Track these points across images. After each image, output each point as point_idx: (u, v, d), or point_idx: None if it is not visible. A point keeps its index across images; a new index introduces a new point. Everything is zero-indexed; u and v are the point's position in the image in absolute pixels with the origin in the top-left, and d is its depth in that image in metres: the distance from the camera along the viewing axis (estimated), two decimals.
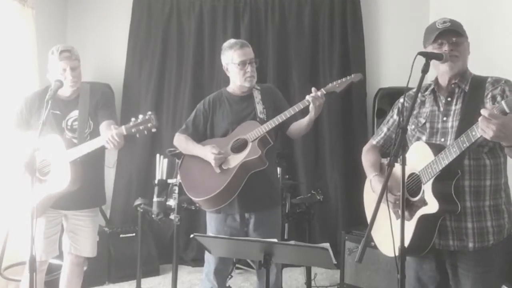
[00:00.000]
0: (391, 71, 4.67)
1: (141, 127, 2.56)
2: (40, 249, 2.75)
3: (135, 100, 4.72)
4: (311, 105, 2.61)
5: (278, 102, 2.92)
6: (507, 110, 1.66)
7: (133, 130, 2.56)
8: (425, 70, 1.87)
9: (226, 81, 4.47)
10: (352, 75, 2.72)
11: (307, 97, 2.62)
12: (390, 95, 4.33)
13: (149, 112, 2.60)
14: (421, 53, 1.89)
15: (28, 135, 2.77)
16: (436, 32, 1.99)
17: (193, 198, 2.86)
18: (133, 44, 4.73)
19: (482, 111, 1.67)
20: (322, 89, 2.64)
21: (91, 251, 2.96)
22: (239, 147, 2.78)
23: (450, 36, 1.98)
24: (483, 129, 1.69)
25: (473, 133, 1.76)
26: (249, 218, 2.83)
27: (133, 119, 2.60)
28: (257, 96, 2.88)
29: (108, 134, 2.56)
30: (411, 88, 2.04)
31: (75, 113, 2.83)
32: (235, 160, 2.73)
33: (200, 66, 4.70)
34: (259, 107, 2.84)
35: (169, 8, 4.72)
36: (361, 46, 4.67)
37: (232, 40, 2.94)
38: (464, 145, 1.80)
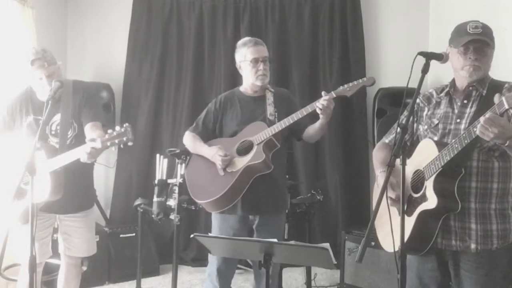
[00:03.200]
0: (391, 71, 4.66)
1: (116, 141, 2.41)
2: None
3: (135, 100, 4.72)
4: (320, 112, 2.54)
5: (293, 108, 2.80)
6: (507, 106, 1.66)
7: (108, 144, 2.41)
8: (425, 70, 1.87)
9: (227, 80, 4.53)
10: (365, 78, 2.60)
11: (317, 103, 2.54)
12: (390, 95, 4.33)
13: (126, 124, 2.44)
14: (421, 53, 1.89)
15: (10, 137, 2.72)
16: (467, 39, 1.95)
17: (196, 200, 2.85)
18: (133, 44, 4.72)
19: (486, 114, 1.68)
20: (332, 92, 2.55)
21: (88, 250, 2.92)
22: (244, 149, 2.75)
23: (478, 45, 1.95)
24: (482, 132, 1.69)
25: (474, 130, 1.77)
26: (254, 220, 2.81)
27: (109, 131, 2.45)
28: (269, 98, 2.82)
29: (87, 149, 2.44)
30: (411, 88, 2.04)
31: (58, 117, 2.72)
32: (239, 164, 2.70)
33: (200, 66, 4.70)
34: (270, 109, 2.78)
35: (169, 8, 4.72)
36: (361, 46, 4.66)
37: (246, 38, 2.89)
38: (466, 141, 1.80)
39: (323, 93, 2.56)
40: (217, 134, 2.91)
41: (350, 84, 2.59)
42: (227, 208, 2.74)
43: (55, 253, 2.99)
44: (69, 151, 2.57)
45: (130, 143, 2.42)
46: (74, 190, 2.71)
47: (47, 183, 2.56)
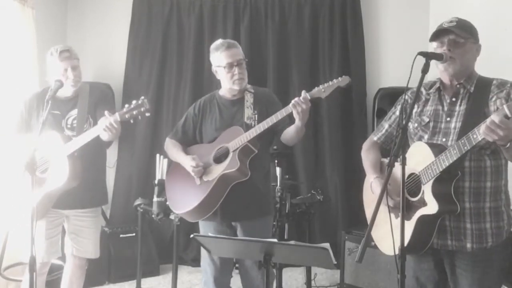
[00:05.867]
0: (391, 71, 4.67)
1: (134, 112, 2.55)
2: (41, 251, 2.75)
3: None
4: (294, 112, 2.42)
5: (272, 108, 2.65)
6: (509, 115, 1.66)
7: (127, 116, 2.55)
8: (425, 70, 1.87)
9: None
10: (340, 78, 2.48)
11: (292, 101, 2.43)
12: (390, 95, 4.33)
13: (142, 97, 2.58)
14: (421, 53, 1.89)
15: (29, 137, 2.77)
16: (437, 31, 1.98)
17: (174, 211, 2.81)
18: (133, 44, 4.73)
19: (492, 117, 1.67)
20: (306, 94, 2.42)
21: (94, 252, 2.95)
22: (220, 156, 2.67)
23: (450, 36, 1.96)
24: (487, 133, 1.68)
25: (474, 136, 1.76)
26: (236, 226, 2.73)
27: (126, 105, 2.58)
28: (248, 99, 2.72)
29: (106, 122, 2.54)
30: (411, 89, 2.04)
31: (74, 112, 2.82)
32: (215, 172, 2.62)
33: (200, 66, 4.70)
34: (248, 112, 2.68)
35: (169, 8, 4.72)
36: (361, 46, 4.67)
37: (218, 41, 2.80)
38: (465, 147, 1.79)
39: (302, 92, 2.45)
40: (198, 139, 2.83)
41: (325, 84, 2.48)
42: (207, 217, 2.68)
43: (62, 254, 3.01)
44: (87, 131, 2.67)
45: (147, 114, 2.56)
46: (88, 183, 2.76)
47: (65, 168, 2.62)
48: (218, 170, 2.63)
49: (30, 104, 2.86)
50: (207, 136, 2.78)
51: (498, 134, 1.66)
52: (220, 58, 2.71)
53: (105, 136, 2.63)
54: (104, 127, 2.55)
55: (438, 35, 1.98)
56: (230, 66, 2.68)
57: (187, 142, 2.84)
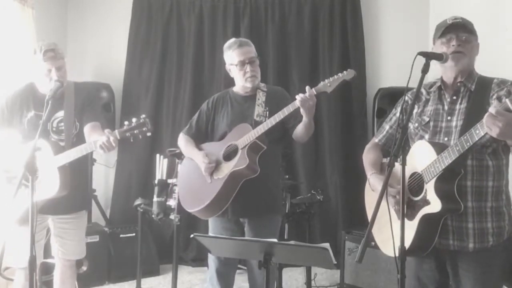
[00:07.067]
0: (391, 71, 4.67)
1: (135, 131, 2.45)
2: (27, 256, 2.69)
3: (135, 100, 4.73)
4: (301, 108, 2.45)
5: (283, 107, 2.60)
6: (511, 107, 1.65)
7: (127, 135, 2.44)
8: (425, 70, 1.86)
9: (227, 81, 4.51)
10: (345, 72, 2.48)
11: (297, 97, 2.46)
12: (390, 95, 4.33)
13: (143, 116, 2.48)
14: (421, 53, 1.88)
15: (8, 132, 2.69)
16: (445, 26, 1.98)
17: (186, 209, 2.82)
18: (133, 44, 4.73)
19: (490, 109, 1.66)
20: (312, 89, 2.45)
21: (80, 252, 2.89)
22: (230, 154, 2.69)
23: (459, 32, 1.97)
24: (488, 127, 1.67)
25: (477, 132, 1.74)
26: (244, 223, 2.75)
27: (126, 122, 2.48)
28: (260, 97, 2.75)
29: (103, 139, 2.43)
30: (411, 88, 2.04)
31: (60, 114, 2.70)
32: (225, 169, 2.64)
33: (200, 66, 4.71)
34: (259, 109, 2.71)
35: (169, 8, 4.73)
36: (361, 46, 4.67)
37: (231, 40, 2.83)
38: (468, 143, 1.78)
39: (307, 88, 2.47)
40: (209, 135, 2.86)
41: (331, 79, 2.48)
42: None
43: (49, 254, 2.98)
44: (82, 145, 2.56)
45: (148, 134, 2.46)
46: (71, 189, 2.64)
47: (55, 179, 2.53)
48: (228, 168, 2.64)
49: (12, 102, 2.73)
50: (219, 131, 2.81)
51: (498, 126, 1.65)
52: (233, 56, 2.75)
53: (100, 151, 2.52)
54: (102, 144, 2.44)
55: (445, 31, 1.97)
56: (242, 64, 2.72)
57: (201, 138, 2.86)
